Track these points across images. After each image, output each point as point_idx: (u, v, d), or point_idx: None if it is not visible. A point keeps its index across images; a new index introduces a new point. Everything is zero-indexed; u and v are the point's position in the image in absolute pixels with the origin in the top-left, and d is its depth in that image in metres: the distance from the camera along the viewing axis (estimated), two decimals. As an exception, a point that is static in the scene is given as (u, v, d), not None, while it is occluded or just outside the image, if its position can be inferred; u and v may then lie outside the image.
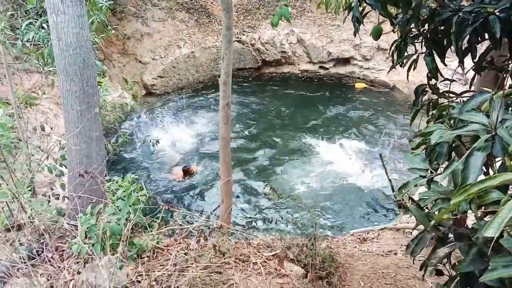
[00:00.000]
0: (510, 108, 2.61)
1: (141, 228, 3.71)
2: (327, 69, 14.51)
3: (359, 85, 13.80)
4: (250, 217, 5.92)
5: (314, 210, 4.68)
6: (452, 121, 1.78)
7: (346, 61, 14.38)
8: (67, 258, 3.65)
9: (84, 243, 3.19)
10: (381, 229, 6.17)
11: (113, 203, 3.18)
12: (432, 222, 1.74)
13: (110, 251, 3.21)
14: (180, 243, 3.48)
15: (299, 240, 4.03)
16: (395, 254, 5.30)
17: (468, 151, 1.49)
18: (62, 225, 3.78)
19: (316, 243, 4.01)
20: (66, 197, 4.13)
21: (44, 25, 5.03)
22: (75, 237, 3.32)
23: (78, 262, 3.51)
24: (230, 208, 5.25)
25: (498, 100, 1.61)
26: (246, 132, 11.04)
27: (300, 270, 3.82)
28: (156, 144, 5.48)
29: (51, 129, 7.82)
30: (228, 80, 5.11)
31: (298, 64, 14.65)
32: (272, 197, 4.92)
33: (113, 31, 10.01)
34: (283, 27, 14.17)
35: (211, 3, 14.65)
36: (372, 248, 5.77)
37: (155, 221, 3.40)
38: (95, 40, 7.85)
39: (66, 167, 4.49)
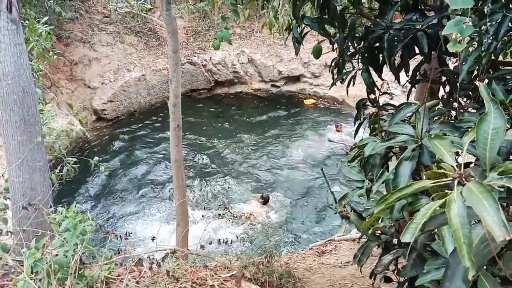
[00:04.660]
0: (443, 118, 2.77)
1: (92, 259, 3.59)
2: (279, 87, 14.80)
3: (308, 101, 14.18)
4: (206, 239, 5.88)
5: (269, 228, 4.73)
6: (383, 133, 1.88)
7: (296, 78, 14.73)
8: (13, 297, 3.46)
9: (31, 279, 3.04)
10: (328, 241, 6.31)
11: (59, 235, 3.06)
12: (370, 231, 1.80)
13: (60, 285, 3.08)
14: (133, 271, 3.39)
15: (255, 259, 4.02)
16: (352, 264, 5.40)
17: (397, 161, 1.58)
18: (7, 262, 3.58)
19: (273, 260, 4.03)
20: (10, 231, 3.92)
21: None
22: (21, 273, 3.16)
23: (25, 300, 3.33)
24: (186, 231, 5.18)
25: (423, 112, 1.72)
26: (199, 153, 11.00)
27: (258, 288, 3.81)
28: (105, 169, 5.33)
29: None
30: (177, 102, 5.12)
31: (251, 83, 14.85)
32: (227, 217, 4.93)
33: (58, 57, 9.78)
34: (234, 47, 14.38)
35: (160, 26, 14.64)
36: (330, 260, 5.85)
37: (106, 251, 3.29)
38: (39, 67, 7.62)
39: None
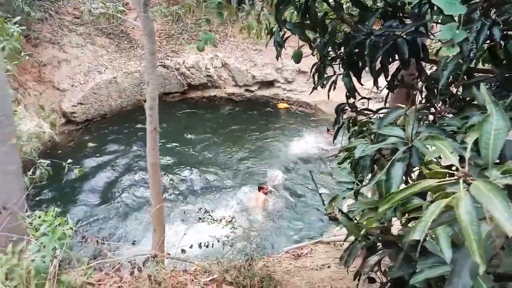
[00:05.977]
0: (422, 122, 2.85)
1: (69, 264, 3.49)
2: (253, 91, 14.84)
3: (282, 105, 14.32)
4: (186, 243, 5.82)
5: (250, 231, 4.74)
6: (372, 136, 1.92)
7: (270, 83, 14.82)
8: (-15, 306, 3.31)
9: (5, 286, 2.93)
10: (315, 243, 6.36)
11: (36, 239, 2.96)
12: (362, 232, 1.84)
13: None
14: (112, 276, 3.31)
15: (236, 262, 4.01)
16: (329, 267, 5.46)
17: (389, 163, 1.61)
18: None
19: (254, 263, 4.02)
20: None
21: None
22: (-6, 281, 3.04)
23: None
24: (163, 236, 5.10)
25: (412, 115, 1.77)
26: (175, 157, 10.88)
27: (239, 292, 3.79)
28: (80, 173, 5.17)
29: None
30: (154, 105, 5.04)
31: (225, 88, 14.83)
32: (207, 220, 4.89)
33: (27, 58, 9.47)
34: (207, 51, 14.33)
35: (132, 28, 14.43)
36: (306, 263, 5.90)
37: (84, 256, 3.21)
38: (7, 68, 7.37)
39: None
